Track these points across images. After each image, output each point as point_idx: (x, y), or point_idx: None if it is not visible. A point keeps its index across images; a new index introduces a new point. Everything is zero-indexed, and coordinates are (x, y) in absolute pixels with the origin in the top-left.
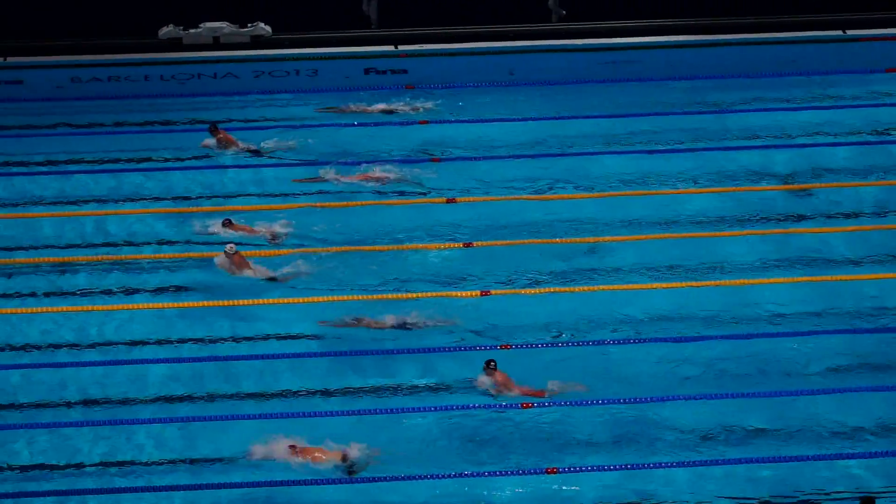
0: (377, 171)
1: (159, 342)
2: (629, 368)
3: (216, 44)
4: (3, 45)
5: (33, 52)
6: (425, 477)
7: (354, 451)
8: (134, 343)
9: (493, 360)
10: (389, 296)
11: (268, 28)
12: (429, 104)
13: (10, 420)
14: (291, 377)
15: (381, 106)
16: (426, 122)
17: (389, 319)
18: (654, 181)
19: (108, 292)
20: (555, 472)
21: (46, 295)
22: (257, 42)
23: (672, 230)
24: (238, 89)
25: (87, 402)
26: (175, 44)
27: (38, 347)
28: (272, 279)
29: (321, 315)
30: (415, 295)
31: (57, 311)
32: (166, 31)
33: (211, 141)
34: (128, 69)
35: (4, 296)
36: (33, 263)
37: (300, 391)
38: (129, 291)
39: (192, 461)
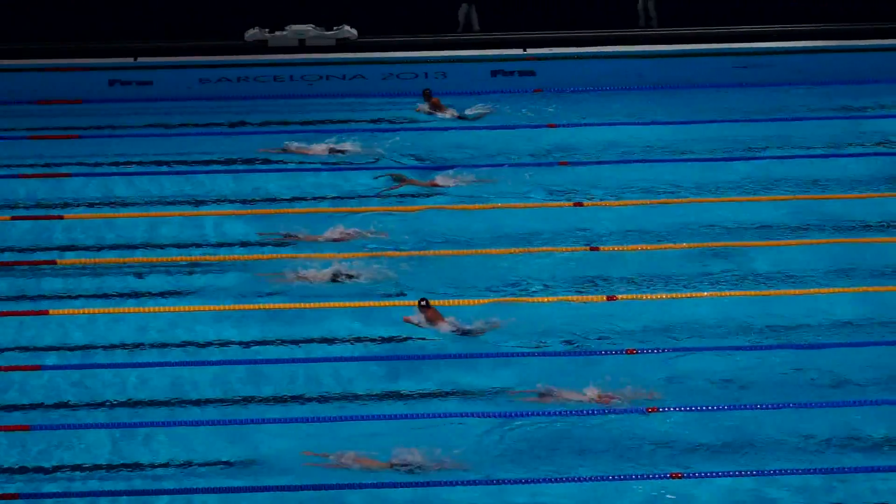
0: (467, 176)
1: (223, 343)
2: (755, 374)
3: (302, 46)
4: (133, 46)
5: (162, 53)
6: (547, 480)
7: (410, 458)
8: (201, 344)
9: (547, 393)
10: (512, 298)
11: (353, 31)
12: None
13: (132, 419)
14: (362, 380)
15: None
16: (555, 126)
17: (502, 321)
18: (784, 186)
19: (191, 292)
20: (679, 477)
21: (136, 295)
22: (343, 45)
23: (804, 236)
24: (366, 91)
25: (145, 404)
26: (261, 46)
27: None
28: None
29: (463, 316)
30: (541, 299)
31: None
32: (252, 33)
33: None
34: (256, 70)
35: (121, 294)
36: (152, 263)
37: (373, 393)
38: (203, 292)
39: (250, 463)
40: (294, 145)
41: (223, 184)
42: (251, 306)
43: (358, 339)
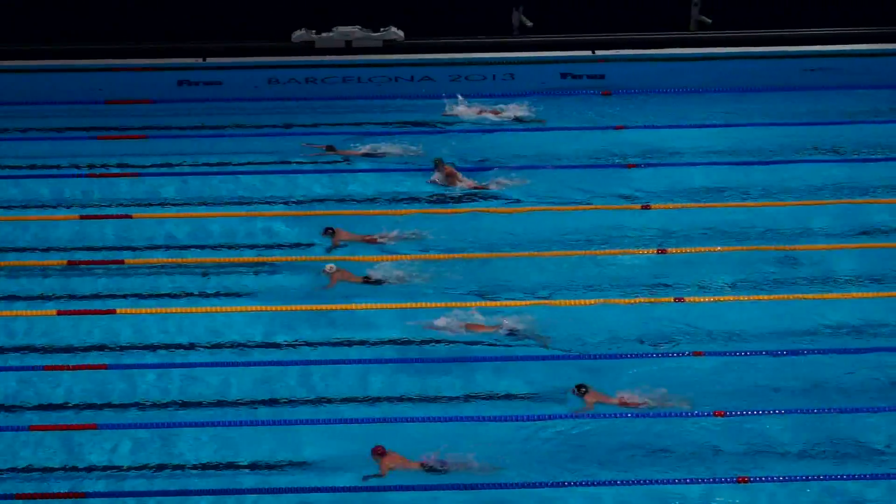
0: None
1: (260, 345)
2: (824, 377)
3: (348, 48)
4: (202, 46)
5: (232, 54)
6: (611, 483)
7: (442, 460)
8: (234, 345)
9: (584, 386)
10: (579, 301)
11: (400, 32)
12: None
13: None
14: (395, 381)
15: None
16: (622, 128)
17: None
18: (852, 191)
19: (218, 294)
20: (746, 481)
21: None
22: (390, 47)
23: (872, 240)
24: (435, 92)
25: (187, 404)
26: (307, 47)
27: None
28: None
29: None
30: (607, 301)
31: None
32: (299, 34)
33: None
34: (326, 71)
35: (171, 295)
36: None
37: (401, 396)
38: (237, 294)
39: (300, 464)
40: (361, 147)
41: (288, 184)
42: (299, 307)
43: (408, 342)
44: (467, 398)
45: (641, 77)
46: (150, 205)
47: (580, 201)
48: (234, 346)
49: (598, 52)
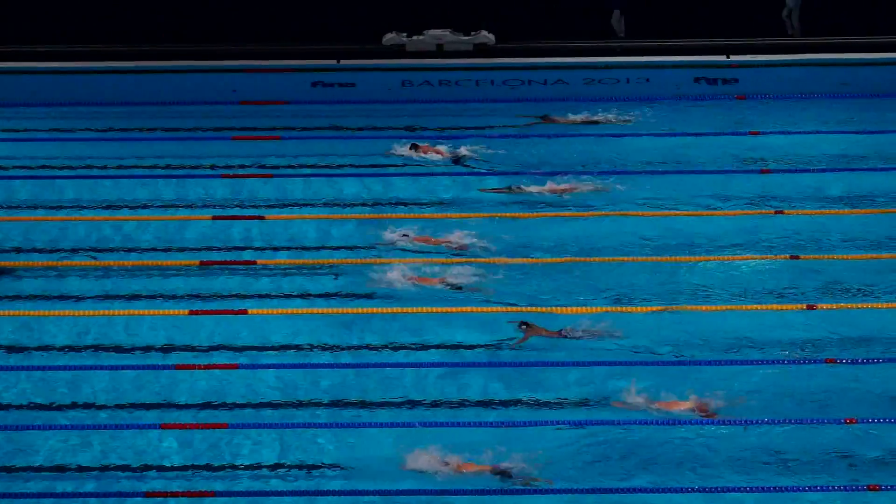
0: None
1: (323, 347)
2: None
3: (439, 51)
4: (337, 48)
5: (366, 56)
6: (739, 489)
7: (509, 465)
8: (301, 347)
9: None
10: (702, 307)
11: (491, 36)
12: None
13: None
14: (452, 386)
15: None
16: (756, 133)
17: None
18: None
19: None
20: (878, 489)
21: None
22: (481, 50)
23: None
24: (567, 96)
25: (235, 406)
26: (398, 50)
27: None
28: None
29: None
30: (734, 307)
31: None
32: (389, 37)
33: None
34: (458, 73)
35: (258, 296)
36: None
37: (465, 400)
38: (307, 295)
39: (343, 468)
40: (468, 148)
41: (401, 187)
42: (368, 310)
43: (487, 346)
44: (581, 404)
45: (776, 81)
46: (283, 206)
47: (712, 206)
48: (325, 347)
49: (733, 57)
